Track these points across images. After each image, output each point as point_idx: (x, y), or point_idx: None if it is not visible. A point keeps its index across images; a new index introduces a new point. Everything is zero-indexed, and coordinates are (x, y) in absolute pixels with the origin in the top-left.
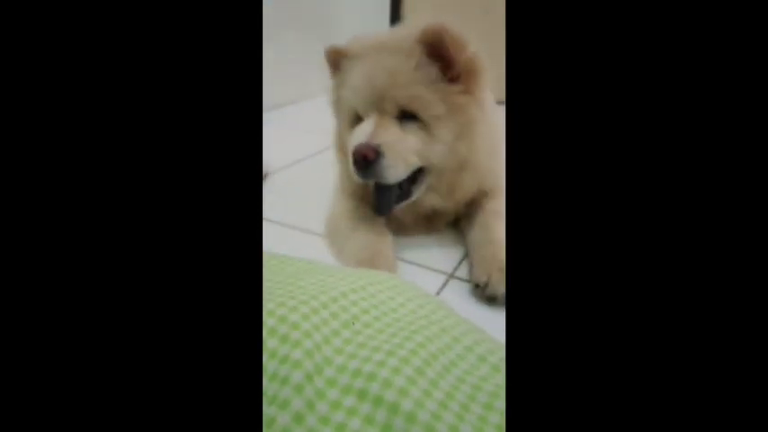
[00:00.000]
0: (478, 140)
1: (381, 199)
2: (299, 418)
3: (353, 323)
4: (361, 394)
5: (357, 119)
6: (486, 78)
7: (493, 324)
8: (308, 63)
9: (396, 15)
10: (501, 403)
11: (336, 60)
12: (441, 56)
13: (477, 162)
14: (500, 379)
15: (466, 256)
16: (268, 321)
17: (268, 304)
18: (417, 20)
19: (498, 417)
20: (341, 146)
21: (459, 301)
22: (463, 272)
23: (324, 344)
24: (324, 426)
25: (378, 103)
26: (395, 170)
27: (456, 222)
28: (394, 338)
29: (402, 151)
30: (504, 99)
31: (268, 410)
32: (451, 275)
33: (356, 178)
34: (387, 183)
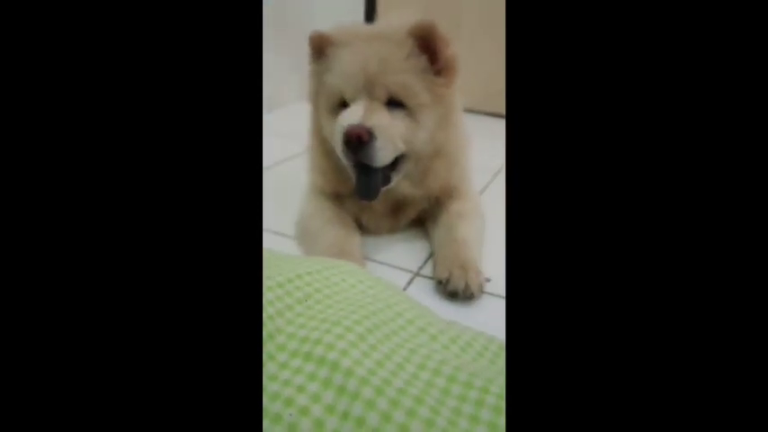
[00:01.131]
0: (453, 132)
1: (368, 183)
2: None
3: (306, 300)
4: (307, 356)
5: (342, 104)
6: (459, 79)
7: (455, 318)
8: (282, 71)
9: None
10: (432, 363)
11: (321, 46)
12: (429, 48)
13: (449, 151)
14: (436, 345)
15: (431, 255)
16: None
17: None
18: (398, 17)
19: (429, 374)
20: (317, 132)
21: (424, 297)
22: (428, 270)
23: (277, 316)
24: (272, 382)
25: (368, 88)
26: (385, 153)
27: (421, 223)
28: (341, 312)
29: (392, 135)
30: (469, 107)
31: None
32: (417, 273)
33: (345, 160)
34: (376, 165)
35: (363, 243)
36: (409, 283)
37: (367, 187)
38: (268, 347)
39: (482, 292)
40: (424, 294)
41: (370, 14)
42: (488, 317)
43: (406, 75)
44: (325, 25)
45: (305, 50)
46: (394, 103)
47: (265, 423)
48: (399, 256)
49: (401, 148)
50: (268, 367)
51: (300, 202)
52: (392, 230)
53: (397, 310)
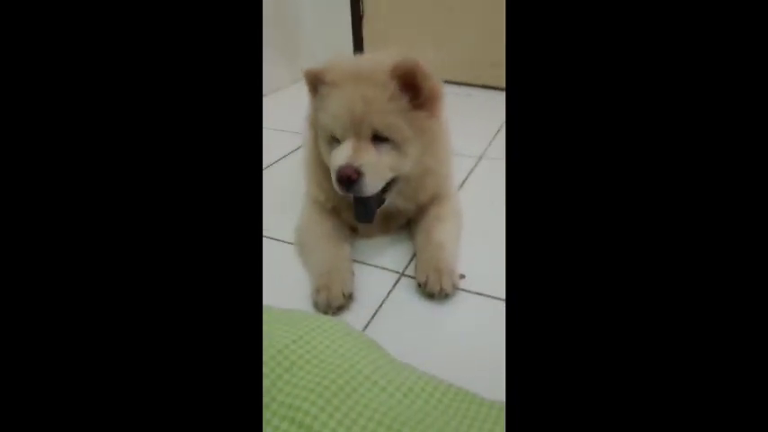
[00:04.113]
0: (439, 153)
1: (365, 209)
2: None
3: (291, 368)
4: (291, 421)
5: (335, 139)
6: (445, 102)
7: (436, 315)
8: (275, 54)
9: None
10: (378, 415)
11: (315, 84)
12: (411, 86)
13: (437, 170)
14: (384, 396)
15: (414, 256)
16: None
17: None
18: (388, 49)
19: (384, 430)
20: (315, 156)
21: (409, 296)
22: (412, 270)
23: (271, 386)
24: None
25: (355, 128)
26: (373, 185)
27: (407, 225)
28: (316, 378)
29: (379, 170)
30: (452, 78)
31: None
32: (402, 274)
33: (340, 193)
34: (366, 197)
35: (356, 247)
36: (395, 283)
37: (364, 213)
38: (266, 415)
39: (456, 290)
40: (408, 294)
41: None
42: (463, 312)
43: (389, 115)
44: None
45: (297, 35)
46: (380, 138)
47: None
48: (387, 259)
49: (389, 177)
50: (266, 431)
51: (300, 207)
52: (384, 234)
53: (358, 368)
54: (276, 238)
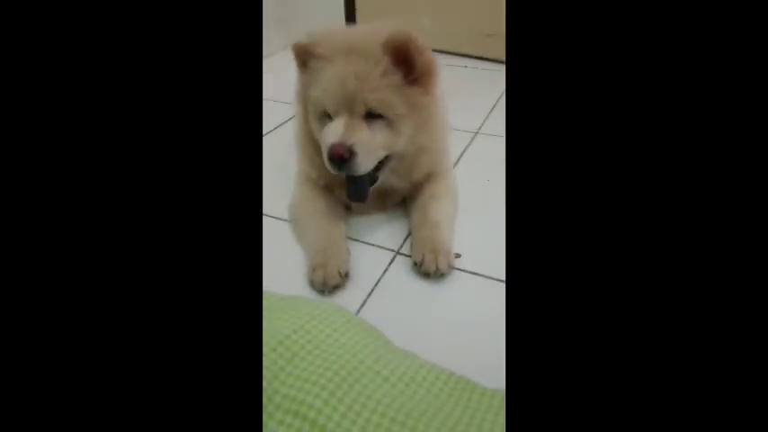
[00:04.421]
0: (434, 130)
1: (356, 188)
2: None
3: (293, 359)
4: (295, 414)
5: (326, 115)
6: (440, 77)
7: (432, 294)
8: (263, 17)
9: None
10: (392, 412)
11: (304, 59)
12: (404, 60)
13: (431, 147)
14: (386, 386)
15: (410, 234)
16: None
17: None
18: (382, 19)
19: (388, 422)
20: (305, 133)
21: (404, 275)
22: (408, 248)
23: (273, 379)
24: None
25: (348, 104)
26: (366, 164)
27: (403, 203)
28: (319, 369)
29: (372, 148)
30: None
31: None
32: (397, 252)
33: (331, 171)
34: (358, 175)
35: (350, 224)
36: (391, 261)
37: (357, 192)
38: (269, 408)
39: (452, 269)
40: (404, 273)
41: None
42: (459, 291)
43: (383, 91)
44: None
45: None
46: (373, 115)
47: None
48: (382, 237)
49: (382, 155)
50: (270, 425)
51: (293, 183)
52: (379, 212)
53: (360, 358)
54: (269, 214)
